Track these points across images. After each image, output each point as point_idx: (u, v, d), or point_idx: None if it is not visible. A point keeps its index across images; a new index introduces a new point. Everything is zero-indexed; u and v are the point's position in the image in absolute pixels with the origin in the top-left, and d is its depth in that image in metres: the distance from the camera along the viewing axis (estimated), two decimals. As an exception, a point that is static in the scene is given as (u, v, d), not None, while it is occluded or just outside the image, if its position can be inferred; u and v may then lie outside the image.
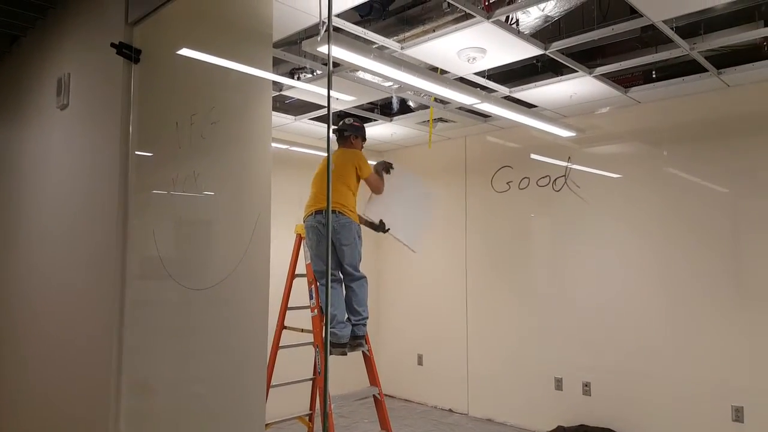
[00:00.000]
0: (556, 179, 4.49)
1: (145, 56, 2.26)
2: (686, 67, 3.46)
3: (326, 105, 4.14)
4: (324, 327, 3.09)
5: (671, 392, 3.81)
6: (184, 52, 2.19)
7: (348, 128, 3.53)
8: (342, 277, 3.36)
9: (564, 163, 4.46)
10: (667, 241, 3.91)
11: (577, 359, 4.30)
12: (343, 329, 3.26)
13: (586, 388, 4.25)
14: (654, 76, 3.62)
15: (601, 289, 4.21)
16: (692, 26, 2.93)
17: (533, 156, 4.66)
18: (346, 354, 3.31)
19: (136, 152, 2.25)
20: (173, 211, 2.20)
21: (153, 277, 2.21)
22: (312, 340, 3.37)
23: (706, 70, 3.36)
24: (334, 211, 3.23)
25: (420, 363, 5.43)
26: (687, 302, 3.79)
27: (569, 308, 4.37)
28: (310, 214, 3.35)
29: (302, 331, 3.48)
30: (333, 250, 3.29)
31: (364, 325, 3.42)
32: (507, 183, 4.81)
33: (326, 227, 1.85)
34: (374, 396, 3.46)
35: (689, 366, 3.75)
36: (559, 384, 4.41)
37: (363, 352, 3.47)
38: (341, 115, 4.55)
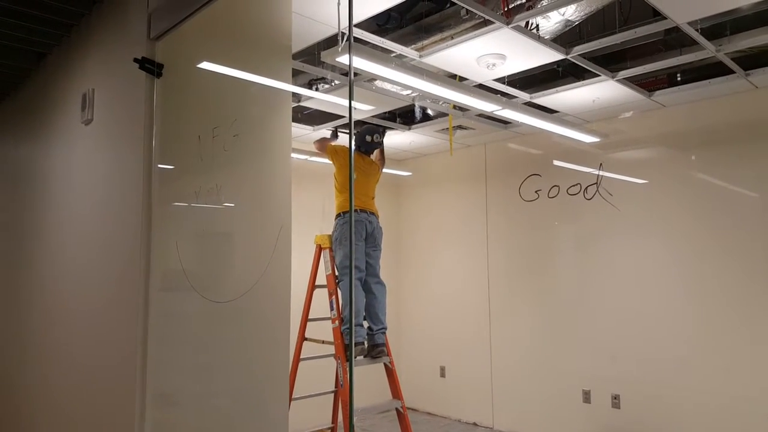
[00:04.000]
0: (587, 187, 4.39)
1: (167, 70, 2.28)
2: (712, 69, 3.38)
3: (344, 115, 4.15)
4: (348, 331, 3.16)
5: (704, 404, 3.68)
6: (205, 65, 2.21)
7: (381, 143, 3.86)
8: (367, 278, 3.46)
9: (589, 170, 4.37)
10: (696, 247, 3.79)
11: (605, 371, 4.18)
12: (360, 330, 3.40)
13: (615, 400, 4.13)
14: (679, 78, 3.54)
15: (630, 299, 4.10)
16: (717, 27, 2.86)
17: (556, 162, 4.58)
18: (364, 351, 3.39)
19: (159, 165, 2.26)
20: (196, 224, 2.21)
21: (176, 290, 2.21)
22: (333, 352, 3.35)
23: (732, 72, 3.28)
24: (373, 213, 3.60)
25: (443, 375, 5.35)
26: (718, 311, 3.66)
27: (597, 318, 4.27)
28: (351, 209, 3.53)
29: (323, 342, 3.46)
30: (362, 251, 3.48)
31: (384, 333, 3.49)
32: (536, 192, 4.73)
33: (349, 228, 1.86)
34: (397, 409, 3.42)
35: (722, 377, 3.61)
36: (587, 396, 4.29)
37: (385, 364, 3.44)
38: (355, 124, 4.55)
